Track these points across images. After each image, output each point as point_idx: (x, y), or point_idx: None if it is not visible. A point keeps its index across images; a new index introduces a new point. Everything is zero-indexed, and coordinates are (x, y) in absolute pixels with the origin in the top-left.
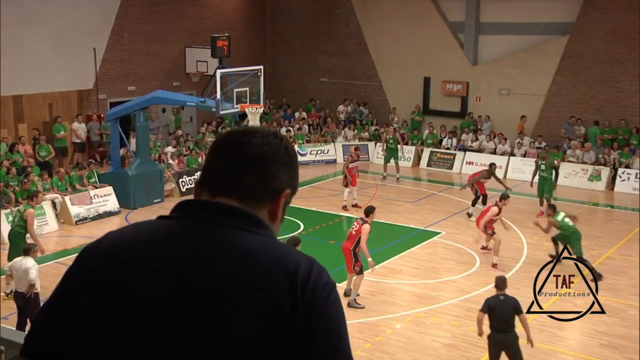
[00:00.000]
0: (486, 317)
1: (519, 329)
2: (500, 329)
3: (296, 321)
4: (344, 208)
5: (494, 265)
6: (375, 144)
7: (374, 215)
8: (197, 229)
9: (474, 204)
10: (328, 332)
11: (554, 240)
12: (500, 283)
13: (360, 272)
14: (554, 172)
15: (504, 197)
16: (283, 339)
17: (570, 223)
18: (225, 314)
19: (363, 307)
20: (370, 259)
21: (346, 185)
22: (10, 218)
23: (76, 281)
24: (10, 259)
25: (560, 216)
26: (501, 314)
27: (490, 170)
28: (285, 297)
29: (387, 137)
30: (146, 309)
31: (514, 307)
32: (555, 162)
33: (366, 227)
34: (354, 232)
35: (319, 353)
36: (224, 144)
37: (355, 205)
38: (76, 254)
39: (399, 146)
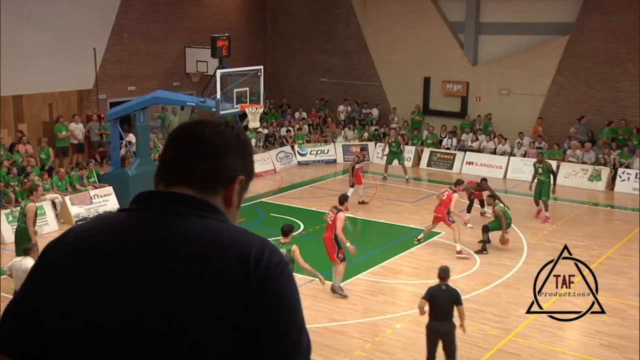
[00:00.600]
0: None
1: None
2: (439, 318)
3: (251, 299)
4: (362, 203)
5: (459, 252)
6: (376, 144)
7: (347, 203)
8: (153, 218)
9: (468, 210)
10: (282, 308)
11: (487, 228)
12: (443, 273)
13: (344, 260)
14: (552, 175)
15: (459, 182)
16: (239, 317)
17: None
18: (183, 296)
19: (346, 296)
20: (348, 244)
21: (352, 186)
22: (11, 218)
23: (43, 278)
24: (18, 254)
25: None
26: (441, 303)
27: (481, 185)
28: (239, 277)
29: (390, 140)
30: (112, 296)
31: (454, 298)
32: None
33: (341, 215)
34: (330, 222)
35: (274, 328)
36: (178, 135)
37: (362, 202)
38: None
39: (401, 147)
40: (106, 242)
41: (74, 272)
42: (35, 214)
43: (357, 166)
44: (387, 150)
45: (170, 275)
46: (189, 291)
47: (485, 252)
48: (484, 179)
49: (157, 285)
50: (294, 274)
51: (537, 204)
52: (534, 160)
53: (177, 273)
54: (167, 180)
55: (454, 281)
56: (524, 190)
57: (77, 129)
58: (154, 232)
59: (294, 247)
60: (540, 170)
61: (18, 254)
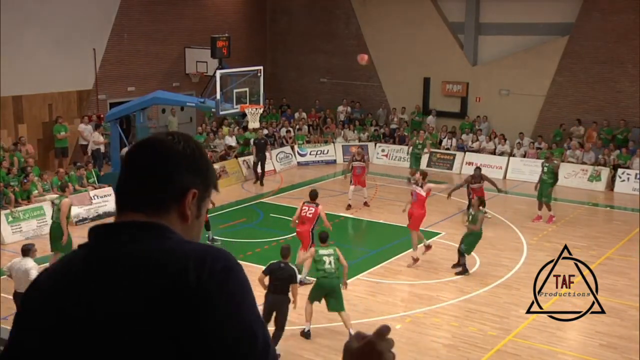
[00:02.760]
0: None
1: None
2: (275, 291)
3: (194, 314)
4: (348, 208)
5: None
6: (376, 144)
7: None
8: (97, 251)
9: (468, 208)
10: (227, 313)
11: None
12: (284, 252)
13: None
14: (555, 176)
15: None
16: (185, 336)
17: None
18: (127, 329)
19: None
20: (329, 225)
21: (351, 182)
22: (11, 218)
23: (19, 330)
24: (53, 249)
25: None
26: (279, 278)
27: (474, 175)
28: (181, 296)
29: (417, 141)
30: (68, 337)
31: (289, 276)
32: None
33: (322, 208)
34: (309, 215)
35: (228, 337)
36: (124, 160)
37: (365, 204)
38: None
39: (425, 150)
40: (63, 290)
41: (43, 321)
42: (69, 208)
43: (354, 164)
44: (411, 151)
45: (112, 312)
46: (126, 322)
47: (467, 273)
48: (478, 168)
49: (104, 322)
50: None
51: (540, 207)
52: (535, 160)
53: (118, 308)
54: (119, 207)
55: (454, 282)
56: (524, 191)
57: (86, 130)
58: (99, 271)
59: (337, 250)
60: (545, 169)
61: (54, 249)
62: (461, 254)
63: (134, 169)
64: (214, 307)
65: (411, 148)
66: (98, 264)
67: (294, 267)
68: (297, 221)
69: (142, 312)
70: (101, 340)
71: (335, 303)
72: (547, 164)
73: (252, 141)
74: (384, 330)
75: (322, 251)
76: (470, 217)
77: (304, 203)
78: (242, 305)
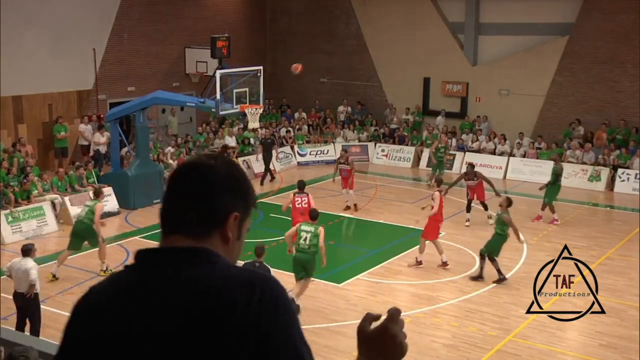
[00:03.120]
0: None
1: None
2: None
3: (244, 340)
4: (346, 209)
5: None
6: (375, 144)
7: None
8: (148, 276)
9: (468, 210)
10: (278, 342)
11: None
12: (258, 251)
13: None
14: (555, 177)
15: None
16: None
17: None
18: (174, 354)
19: None
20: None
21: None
22: (11, 218)
23: (69, 347)
24: (71, 247)
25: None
26: None
27: (467, 171)
28: (233, 323)
29: (439, 144)
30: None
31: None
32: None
33: (311, 196)
34: (305, 205)
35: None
36: (168, 183)
37: (347, 208)
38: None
39: (446, 155)
40: (109, 311)
41: (90, 339)
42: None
43: (340, 167)
44: (433, 155)
45: (161, 340)
46: (173, 348)
47: (481, 279)
48: (470, 164)
49: (144, 350)
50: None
51: (543, 207)
52: (535, 160)
53: (167, 336)
54: (164, 231)
55: (454, 282)
56: (524, 191)
57: (87, 130)
58: (146, 295)
59: (321, 229)
60: (551, 171)
61: (72, 245)
62: (482, 256)
63: (178, 192)
64: (264, 334)
65: (434, 152)
66: (145, 290)
67: (268, 266)
68: (290, 207)
69: (189, 338)
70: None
71: (305, 274)
72: (554, 165)
73: (256, 140)
74: (395, 313)
75: (303, 227)
76: (496, 218)
77: (294, 194)
78: (290, 332)
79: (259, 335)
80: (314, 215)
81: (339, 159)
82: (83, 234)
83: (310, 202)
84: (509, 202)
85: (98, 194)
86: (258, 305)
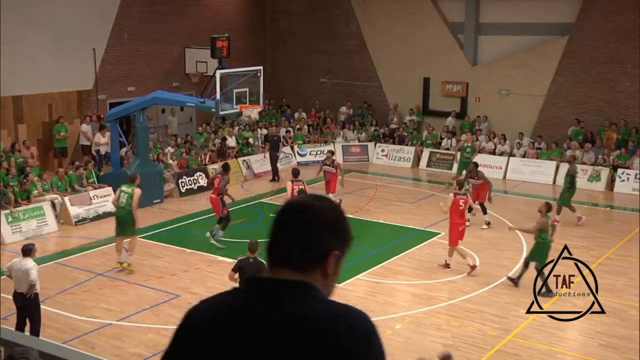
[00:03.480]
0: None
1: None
2: None
3: None
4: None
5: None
6: (375, 144)
7: None
8: (257, 304)
9: (469, 210)
10: None
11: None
12: (252, 246)
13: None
14: (570, 180)
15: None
16: None
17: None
18: None
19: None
20: None
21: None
22: (11, 218)
23: (178, 351)
24: (118, 234)
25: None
26: (249, 273)
27: (471, 169)
28: (331, 354)
29: (465, 144)
30: None
31: (259, 270)
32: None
33: (306, 184)
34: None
35: None
36: (276, 219)
37: None
38: (180, 322)
39: (474, 154)
40: (222, 328)
41: (198, 350)
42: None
43: (325, 169)
44: (459, 156)
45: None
46: None
47: (514, 284)
48: (475, 164)
49: None
50: None
51: (559, 211)
52: (534, 160)
53: (264, 357)
54: (271, 263)
55: (454, 282)
56: (524, 191)
57: (89, 130)
58: (254, 317)
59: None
60: (565, 173)
61: (119, 234)
62: (526, 264)
63: (287, 229)
64: None
65: (459, 153)
66: (251, 315)
67: (262, 261)
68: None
69: None
70: None
71: None
72: (568, 168)
73: (255, 140)
74: (447, 356)
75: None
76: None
77: (292, 182)
78: None
79: None
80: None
81: (324, 160)
82: (123, 221)
83: (307, 189)
84: (548, 207)
85: (133, 179)
86: (355, 340)
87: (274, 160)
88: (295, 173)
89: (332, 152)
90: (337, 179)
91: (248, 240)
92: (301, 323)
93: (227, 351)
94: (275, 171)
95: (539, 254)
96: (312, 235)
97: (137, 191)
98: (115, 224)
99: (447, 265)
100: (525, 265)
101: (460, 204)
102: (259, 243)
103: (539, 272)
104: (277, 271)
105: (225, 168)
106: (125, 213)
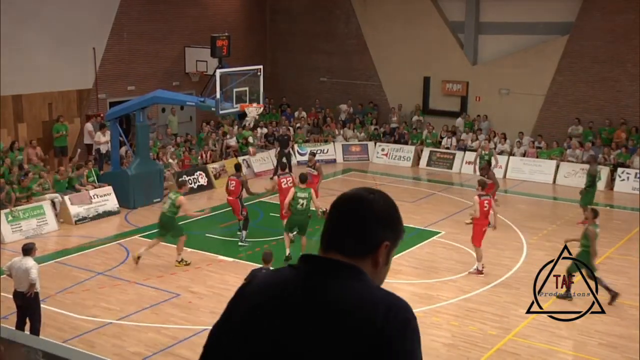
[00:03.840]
0: None
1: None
2: None
3: (375, 354)
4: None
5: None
6: (375, 143)
7: None
8: (308, 278)
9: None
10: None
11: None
12: (266, 257)
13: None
14: (591, 180)
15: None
16: None
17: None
18: (321, 346)
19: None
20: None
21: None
22: (11, 217)
23: (229, 319)
24: (159, 235)
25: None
26: None
27: (483, 166)
28: (364, 335)
29: (483, 152)
30: (271, 336)
31: None
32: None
33: (294, 176)
34: (290, 185)
35: None
36: (333, 208)
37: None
38: (234, 295)
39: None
40: (274, 296)
41: (251, 317)
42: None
43: (307, 170)
44: (477, 164)
45: (310, 328)
46: (327, 342)
47: (569, 298)
48: (489, 162)
49: (301, 334)
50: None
51: (585, 210)
52: (534, 159)
53: (315, 328)
54: (325, 246)
55: (454, 281)
56: (524, 190)
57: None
58: (305, 291)
59: (311, 191)
60: (586, 174)
61: (160, 233)
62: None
63: (341, 219)
64: (393, 351)
65: (478, 159)
66: (303, 292)
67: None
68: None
69: (330, 341)
70: (294, 339)
71: (302, 232)
72: (589, 168)
73: (255, 139)
74: None
75: (299, 193)
76: (583, 232)
77: (279, 176)
78: (414, 353)
79: (388, 350)
80: (303, 179)
81: (307, 162)
82: (165, 226)
83: (295, 181)
84: (595, 214)
85: (180, 185)
86: (392, 325)
87: (281, 156)
88: (283, 167)
89: (313, 154)
90: (317, 181)
91: (255, 242)
92: (343, 304)
93: (272, 318)
94: (283, 166)
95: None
96: (367, 227)
97: (180, 199)
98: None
99: (480, 272)
100: (591, 278)
101: (485, 204)
102: (273, 254)
103: (595, 278)
104: (330, 254)
105: (237, 168)
106: (166, 219)
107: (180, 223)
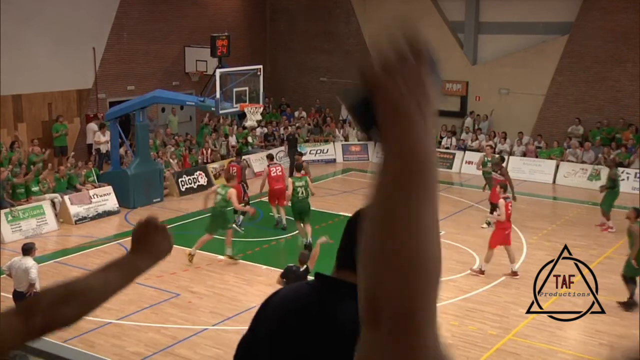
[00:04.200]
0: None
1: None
2: None
3: None
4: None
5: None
6: (376, 143)
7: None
8: (322, 299)
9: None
10: None
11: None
12: (302, 258)
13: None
14: (613, 182)
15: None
16: None
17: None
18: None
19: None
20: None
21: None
22: (10, 217)
23: (254, 332)
24: (210, 230)
25: None
26: (292, 280)
27: (496, 162)
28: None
29: (485, 159)
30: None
31: (299, 279)
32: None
33: (282, 166)
34: (280, 174)
35: None
36: (346, 226)
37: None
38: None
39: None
40: (290, 310)
41: (270, 326)
42: (235, 196)
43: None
44: (480, 168)
45: (314, 339)
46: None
47: (632, 309)
48: (501, 157)
49: (304, 340)
50: None
51: (603, 214)
52: (534, 159)
53: (320, 339)
54: (339, 263)
55: (454, 281)
56: (524, 190)
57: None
58: (315, 306)
59: (307, 179)
60: (607, 177)
61: (210, 228)
62: (627, 280)
63: (353, 237)
64: None
65: (481, 167)
66: (318, 311)
67: (307, 271)
68: (266, 181)
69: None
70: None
71: (306, 218)
72: (609, 170)
73: (255, 139)
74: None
75: (297, 182)
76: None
77: (269, 166)
78: None
79: None
80: (299, 168)
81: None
82: (216, 220)
83: (283, 170)
84: (638, 213)
85: (229, 179)
86: None
87: (292, 155)
88: (271, 157)
89: (300, 154)
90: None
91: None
92: (344, 327)
93: (294, 333)
94: (298, 168)
95: (630, 267)
96: None
97: (231, 192)
98: (208, 221)
99: (481, 272)
100: (625, 281)
101: (509, 207)
102: (308, 256)
103: (625, 280)
104: (342, 273)
105: (239, 153)
106: (219, 213)
107: (181, 223)
